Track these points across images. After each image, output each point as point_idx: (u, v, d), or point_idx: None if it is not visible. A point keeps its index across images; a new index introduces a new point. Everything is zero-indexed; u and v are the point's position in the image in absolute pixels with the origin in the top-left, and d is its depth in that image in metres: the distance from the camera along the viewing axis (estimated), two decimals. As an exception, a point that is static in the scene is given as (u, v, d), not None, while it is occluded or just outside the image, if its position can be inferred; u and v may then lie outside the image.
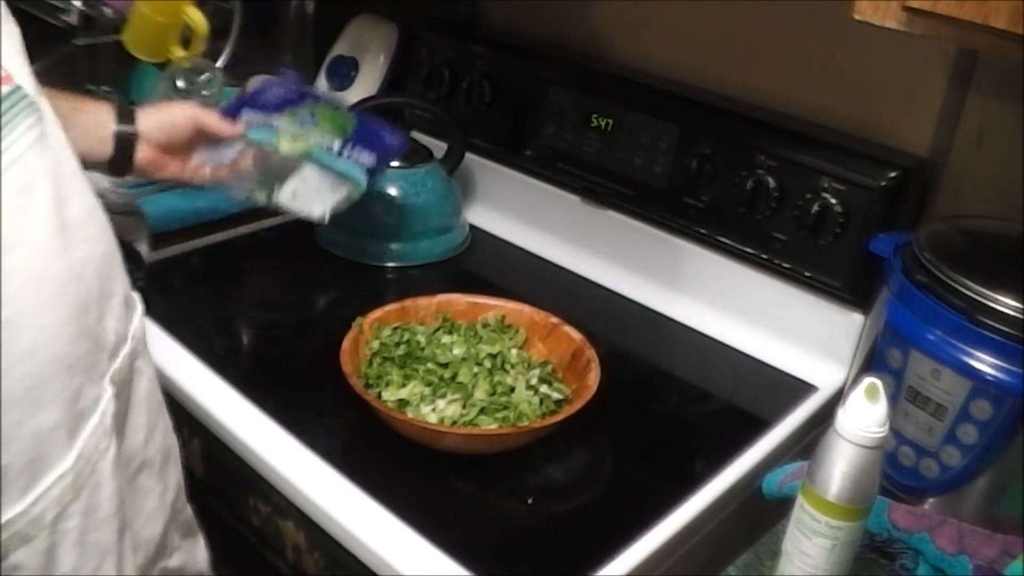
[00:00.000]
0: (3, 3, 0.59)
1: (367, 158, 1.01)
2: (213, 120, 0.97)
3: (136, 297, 0.68)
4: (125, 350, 0.63)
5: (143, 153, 0.93)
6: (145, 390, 0.67)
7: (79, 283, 0.56)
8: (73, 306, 0.55)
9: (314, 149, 0.99)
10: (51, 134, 0.57)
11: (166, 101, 0.98)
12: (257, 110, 1.02)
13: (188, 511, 0.77)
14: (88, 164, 0.88)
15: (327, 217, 0.99)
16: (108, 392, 0.60)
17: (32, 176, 0.53)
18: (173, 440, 0.73)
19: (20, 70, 0.56)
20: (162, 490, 0.70)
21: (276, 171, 0.99)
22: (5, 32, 0.57)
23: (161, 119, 0.94)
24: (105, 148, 0.91)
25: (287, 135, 0.99)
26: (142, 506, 0.68)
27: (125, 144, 0.91)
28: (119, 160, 0.92)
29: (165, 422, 0.72)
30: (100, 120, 0.90)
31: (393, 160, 1.10)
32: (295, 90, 1.04)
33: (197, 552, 0.79)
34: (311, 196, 0.98)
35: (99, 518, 0.59)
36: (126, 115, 0.91)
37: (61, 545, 0.56)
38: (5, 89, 0.53)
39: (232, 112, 1.02)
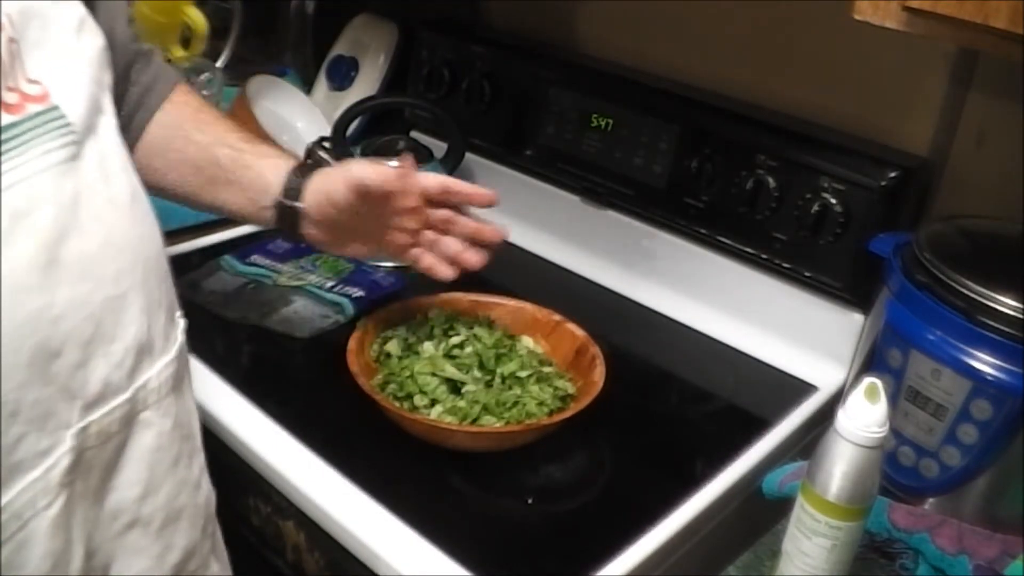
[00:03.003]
0: (87, 21, 0.58)
1: (357, 292, 1.09)
2: (377, 175, 0.79)
3: (171, 344, 0.62)
4: (116, 401, 0.57)
5: (310, 231, 0.82)
6: (150, 445, 0.61)
7: (55, 325, 0.51)
8: (36, 348, 0.50)
9: (307, 285, 1.09)
10: (89, 158, 0.54)
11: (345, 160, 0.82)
12: (265, 255, 1.14)
13: (209, 574, 0.71)
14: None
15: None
16: (65, 445, 0.53)
17: (33, 202, 0.50)
18: (192, 499, 0.67)
19: (76, 88, 0.54)
20: (161, 551, 0.64)
21: (270, 299, 1.06)
22: (73, 49, 0.56)
23: (318, 187, 0.80)
24: (265, 216, 0.82)
25: (286, 275, 1.10)
26: (129, 564, 0.62)
27: (287, 218, 0.81)
28: (286, 232, 0.83)
29: (180, 479, 0.65)
30: (264, 184, 0.80)
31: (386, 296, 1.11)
32: (306, 247, 1.12)
33: None
34: (299, 321, 1.03)
35: None
36: (294, 184, 0.80)
37: None
38: (34, 108, 0.51)
39: (243, 256, 1.13)
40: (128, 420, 0.59)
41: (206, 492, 0.70)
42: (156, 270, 0.61)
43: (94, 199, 0.54)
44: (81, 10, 0.57)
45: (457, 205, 0.86)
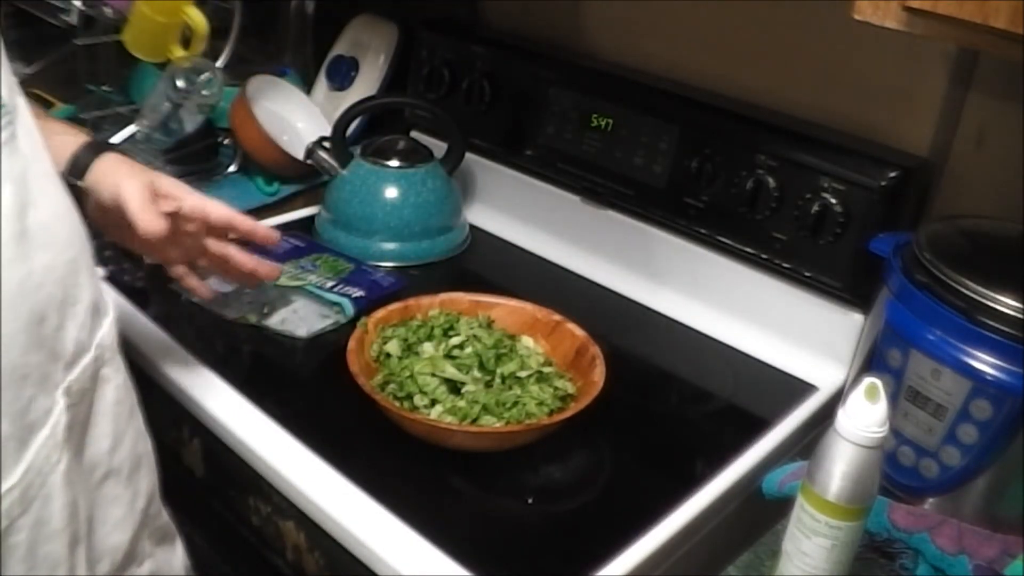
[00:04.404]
0: None
1: (357, 292, 1.08)
2: (137, 205, 0.76)
3: (108, 303, 0.66)
4: (86, 359, 0.61)
5: (94, 214, 0.78)
6: (111, 399, 0.65)
7: (38, 291, 0.55)
8: (29, 315, 0.54)
9: (307, 285, 1.08)
10: (22, 136, 0.56)
11: (129, 167, 0.79)
12: (265, 255, 1.11)
13: (163, 517, 0.75)
14: None
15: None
16: (60, 404, 0.58)
17: None
18: (146, 447, 0.72)
19: None
20: (131, 497, 0.69)
21: (270, 299, 1.06)
22: None
23: (101, 175, 0.78)
24: None
25: (286, 275, 1.09)
26: (108, 514, 0.66)
27: (72, 190, 0.75)
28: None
29: (136, 429, 0.70)
30: (57, 157, 0.76)
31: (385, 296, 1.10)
32: (306, 247, 1.18)
33: (173, 559, 0.77)
34: (299, 321, 1.04)
35: (49, 531, 0.57)
36: (79, 163, 0.78)
37: (9, 559, 0.55)
38: None
39: None
40: (94, 377, 0.63)
41: (151, 440, 0.74)
42: (87, 237, 0.63)
43: (35, 173, 0.56)
44: None
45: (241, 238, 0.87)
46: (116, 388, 0.66)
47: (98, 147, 0.80)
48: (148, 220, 0.76)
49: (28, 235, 0.53)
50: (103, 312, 0.65)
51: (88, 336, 0.61)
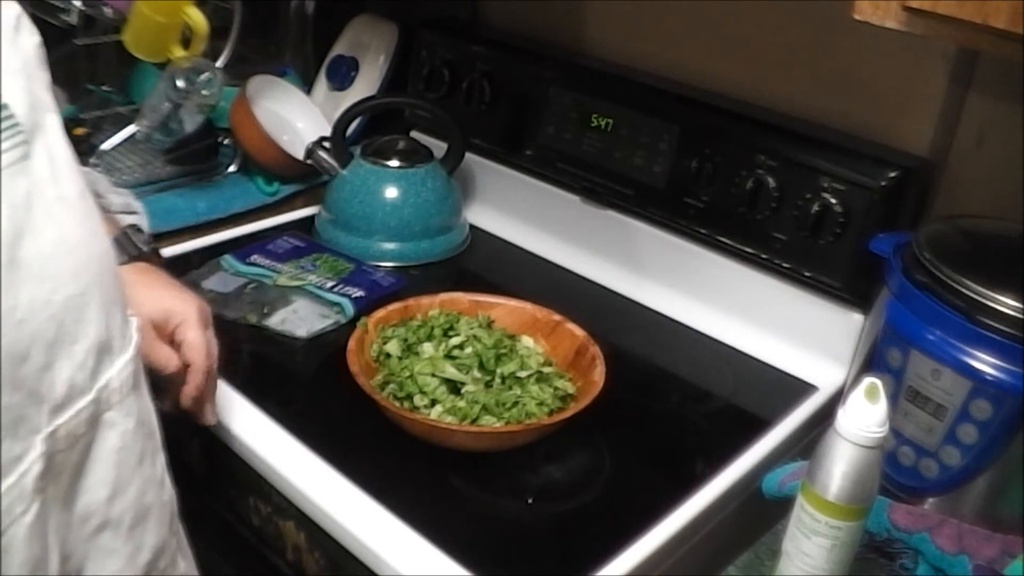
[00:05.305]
0: (23, 18, 0.55)
1: (357, 292, 1.09)
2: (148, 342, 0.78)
3: (130, 339, 0.62)
4: (81, 403, 0.56)
5: None
6: (114, 445, 0.60)
7: (20, 328, 0.50)
8: (5, 353, 0.49)
9: (307, 285, 1.09)
10: (39, 156, 0.53)
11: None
12: (265, 255, 1.15)
13: (178, 572, 0.71)
14: None
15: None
16: (36, 451, 0.52)
17: None
18: (158, 497, 0.66)
19: (19, 87, 0.53)
20: (132, 551, 0.63)
21: (270, 299, 1.06)
22: (11, 47, 0.54)
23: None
24: None
25: (286, 275, 1.11)
26: (103, 567, 0.62)
27: None
28: None
29: (146, 477, 0.65)
30: None
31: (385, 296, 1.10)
32: (306, 247, 1.18)
33: None
34: (299, 321, 1.04)
35: None
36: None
37: None
38: None
39: (243, 256, 1.14)
40: (93, 421, 0.58)
41: (170, 490, 0.69)
42: (109, 267, 0.60)
43: (45, 197, 0.53)
44: (17, 8, 0.55)
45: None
46: (122, 434, 0.61)
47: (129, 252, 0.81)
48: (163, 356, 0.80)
49: (18, 265, 0.50)
50: (116, 351, 0.59)
51: (88, 378, 0.56)
